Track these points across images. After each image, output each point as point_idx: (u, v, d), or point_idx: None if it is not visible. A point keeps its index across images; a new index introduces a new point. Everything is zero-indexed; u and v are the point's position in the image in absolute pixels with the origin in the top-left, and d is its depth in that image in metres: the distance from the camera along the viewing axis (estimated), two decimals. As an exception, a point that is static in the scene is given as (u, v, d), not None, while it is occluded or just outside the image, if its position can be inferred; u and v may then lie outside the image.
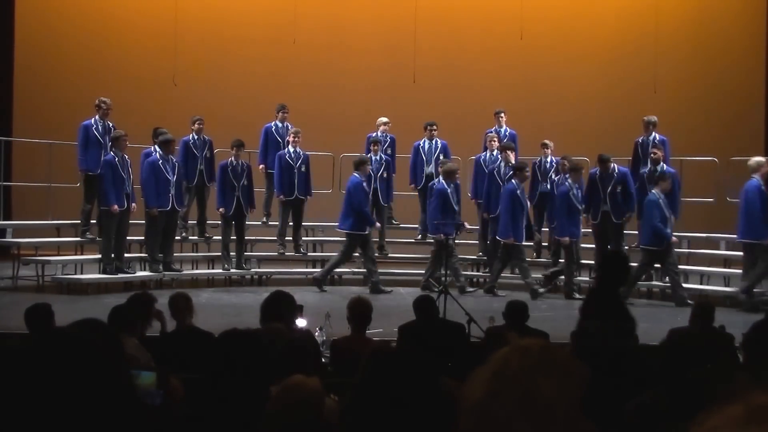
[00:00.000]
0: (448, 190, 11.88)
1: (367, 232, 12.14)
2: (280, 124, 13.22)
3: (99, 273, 11.47)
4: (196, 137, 12.64)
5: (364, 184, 12.12)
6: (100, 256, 11.59)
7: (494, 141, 13.01)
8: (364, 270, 12.30)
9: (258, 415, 2.82)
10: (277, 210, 13.28)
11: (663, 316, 9.72)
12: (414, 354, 2.69)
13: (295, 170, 12.70)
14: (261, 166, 13.19)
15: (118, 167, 11.28)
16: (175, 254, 12.31)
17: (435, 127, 13.33)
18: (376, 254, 12.56)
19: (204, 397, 2.90)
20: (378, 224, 12.65)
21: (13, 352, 1.80)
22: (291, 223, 12.99)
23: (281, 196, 12.77)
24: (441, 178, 12.05)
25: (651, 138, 12.52)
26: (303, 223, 13.18)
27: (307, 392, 2.90)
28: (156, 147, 11.77)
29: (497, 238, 12.07)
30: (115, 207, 11.23)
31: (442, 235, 11.59)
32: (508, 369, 1.51)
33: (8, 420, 1.75)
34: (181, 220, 12.74)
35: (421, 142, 13.37)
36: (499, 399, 1.48)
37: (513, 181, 12.02)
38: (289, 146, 12.78)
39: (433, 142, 13.33)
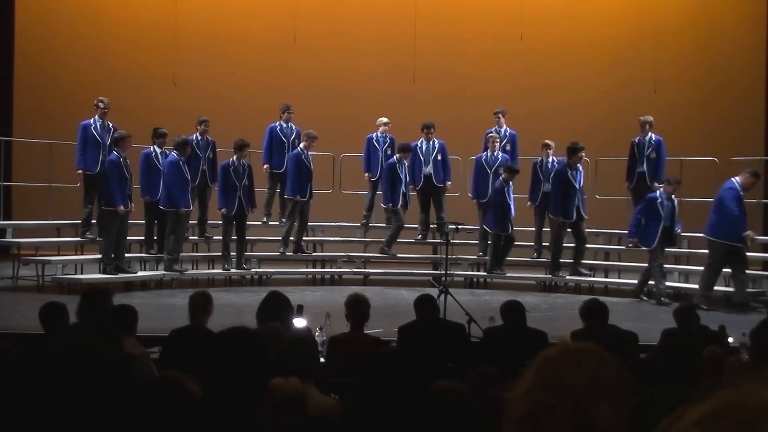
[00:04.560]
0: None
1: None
2: (284, 125, 13.21)
3: (99, 273, 11.48)
4: (199, 138, 12.64)
5: (742, 192, 10.94)
6: (100, 256, 11.60)
7: (496, 141, 13.05)
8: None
9: (257, 412, 2.83)
10: (276, 210, 13.31)
11: (663, 316, 9.71)
12: (409, 355, 2.70)
13: (309, 172, 12.78)
14: (265, 166, 13.18)
15: (123, 167, 11.34)
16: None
17: (432, 129, 13.33)
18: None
19: (209, 396, 2.91)
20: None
21: (19, 355, 1.81)
22: (296, 224, 13.02)
23: (298, 197, 12.77)
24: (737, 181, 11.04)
25: (647, 138, 12.56)
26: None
27: (288, 392, 2.94)
28: (174, 149, 11.85)
29: (550, 215, 12.52)
30: (121, 208, 11.28)
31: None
32: (561, 380, 1.37)
33: (16, 419, 1.76)
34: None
35: (418, 143, 13.37)
36: (553, 414, 1.34)
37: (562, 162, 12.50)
38: (300, 146, 12.77)
39: (431, 142, 13.34)
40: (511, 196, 12.61)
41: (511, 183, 12.58)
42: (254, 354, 2.90)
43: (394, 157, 13.02)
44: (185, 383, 2.84)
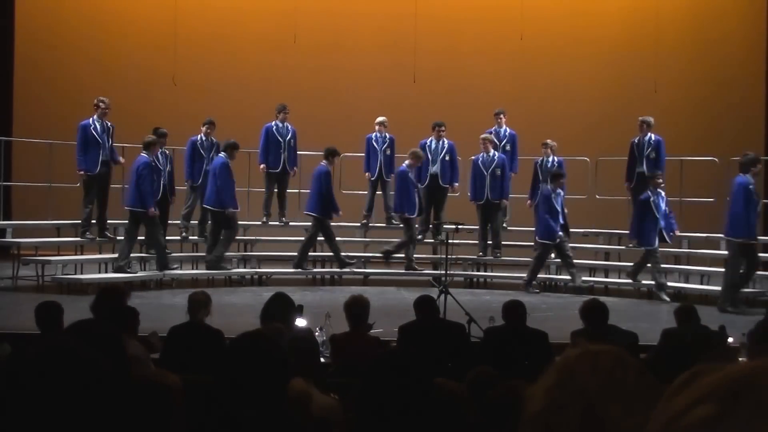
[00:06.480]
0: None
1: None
2: (280, 124, 13.21)
3: (99, 273, 11.49)
4: (203, 138, 12.68)
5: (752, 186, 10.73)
6: (108, 255, 11.68)
7: (488, 142, 12.96)
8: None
9: (277, 415, 2.82)
10: (275, 210, 13.32)
11: (662, 316, 9.72)
12: (409, 355, 2.70)
13: (417, 190, 12.89)
14: (262, 166, 13.19)
15: (153, 170, 11.54)
16: (175, 254, 12.40)
17: (443, 128, 13.27)
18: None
19: (220, 399, 2.90)
20: None
21: (19, 357, 1.81)
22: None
23: (406, 214, 12.68)
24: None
25: (647, 138, 12.56)
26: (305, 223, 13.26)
27: (293, 393, 2.95)
28: (223, 150, 12.15)
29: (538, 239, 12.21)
30: (152, 210, 11.45)
31: None
32: (575, 382, 1.38)
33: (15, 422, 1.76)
34: (183, 219, 12.80)
35: (427, 141, 13.29)
36: (564, 414, 1.35)
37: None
38: (406, 164, 12.72)
39: (440, 142, 13.29)
40: (663, 206, 11.85)
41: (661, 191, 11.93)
42: (276, 358, 2.89)
43: (548, 186, 12.25)
44: (163, 378, 2.84)
